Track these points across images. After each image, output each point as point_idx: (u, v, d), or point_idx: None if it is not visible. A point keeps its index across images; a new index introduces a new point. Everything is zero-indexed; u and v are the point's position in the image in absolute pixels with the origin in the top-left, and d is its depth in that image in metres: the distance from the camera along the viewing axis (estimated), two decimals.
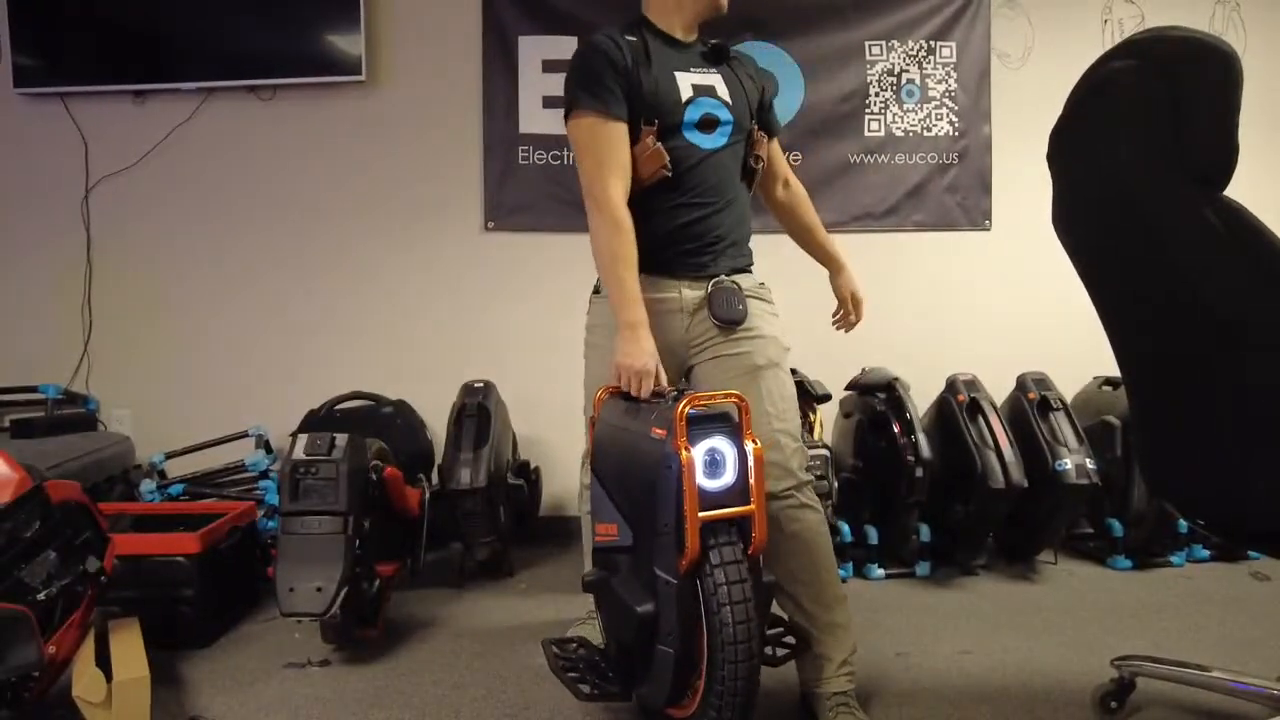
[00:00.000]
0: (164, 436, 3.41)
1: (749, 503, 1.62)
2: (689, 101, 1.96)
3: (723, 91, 2.01)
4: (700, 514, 1.57)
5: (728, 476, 1.63)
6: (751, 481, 1.63)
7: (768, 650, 1.86)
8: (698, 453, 1.60)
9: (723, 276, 1.99)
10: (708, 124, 1.98)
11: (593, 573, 1.87)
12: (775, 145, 2.21)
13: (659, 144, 1.92)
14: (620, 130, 1.91)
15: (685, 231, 1.97)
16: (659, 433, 1.65)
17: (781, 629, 1.95)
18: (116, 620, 2.18)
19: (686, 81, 1.98)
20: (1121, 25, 3.70)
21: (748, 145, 2.07)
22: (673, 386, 1.84)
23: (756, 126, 2.09)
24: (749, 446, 1.64)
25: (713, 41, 2.08)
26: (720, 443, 1.63)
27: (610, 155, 1.91)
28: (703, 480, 1.60)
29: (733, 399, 1.68)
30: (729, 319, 1.95)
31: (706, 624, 1.60)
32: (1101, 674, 2.02)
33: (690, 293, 1.98)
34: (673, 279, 1.98)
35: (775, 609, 1.98)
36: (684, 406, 1.61)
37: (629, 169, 1.92)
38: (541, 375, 3.56)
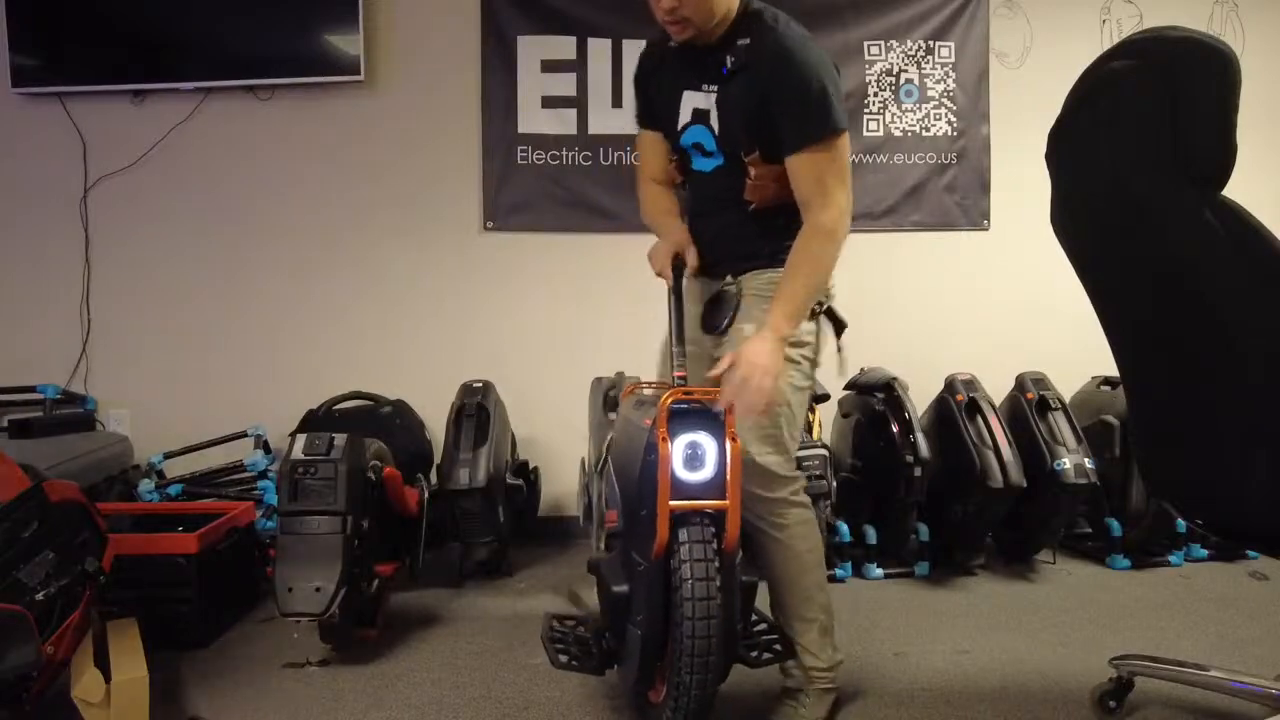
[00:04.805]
0: (162, 437, 3.41)
1: (725, 498, 1.65)
2: (685, 127, 2.00)
3: (714, 119, 1.93)
4: (672, 503, 1.63)
5: (706, 471, 1.66)
6: (729, 478, 1.66)
7: (753, 653, 1.90)
8: (678, 445, 1.65)
9: (729, 278, 1.99)
10: (700, 149, 2.00)
11: (599, 555, 1.96)
12: (793, 164, 1.85)
13: (673, 155, 2.09)
14: (648, 137, 2.14)
15: (696, 234, 2.07)
16: (648, 423, 1.71)
17: (775, 634, 1.98)
18: (115, 620, 2.18)
19: (689, 104, 1.97)
20: (1120, 25, 3.70)
21: (742, 169, 1.93)
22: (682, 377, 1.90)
23: (751, 153, 1.89)
24: (729, 445, 1.66)
25: (742, 42, 1.87)
26: (702, 438, 1.67)
27: (643, 158, 2.18)
28: (681, 472, 1.65)
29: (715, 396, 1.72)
30: (708, 328, 2.00)
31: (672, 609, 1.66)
32: (1100, 673, 2.02)
33: (703, 291, 2.06)
34: (702, 273, 2.08)
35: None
36: (667, 399, 1.67)
37: (658, 168, 2.14)
38: (541, 375, 3.56)
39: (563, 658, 1.93)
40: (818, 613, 1.95)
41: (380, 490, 2.51)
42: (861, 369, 3.28)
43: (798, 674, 1.96)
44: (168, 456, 3.31)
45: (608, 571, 1.83)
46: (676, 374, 1.88)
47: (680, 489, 1.64)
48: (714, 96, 1.93)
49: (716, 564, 1.63)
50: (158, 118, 3.56)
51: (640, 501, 1.71)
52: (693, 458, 1.66)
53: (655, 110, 2.08)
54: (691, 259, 2.03)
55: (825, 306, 1.99)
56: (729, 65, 1.89)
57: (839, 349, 2.05)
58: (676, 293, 1.99)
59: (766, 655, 1.91)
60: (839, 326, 2.05)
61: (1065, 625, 2.56)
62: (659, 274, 2.06)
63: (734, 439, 1.68)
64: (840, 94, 1.85)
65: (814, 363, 2.00)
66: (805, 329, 1.94)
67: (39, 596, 1.80)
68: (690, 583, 1.61)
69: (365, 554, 2.35)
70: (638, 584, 1.72)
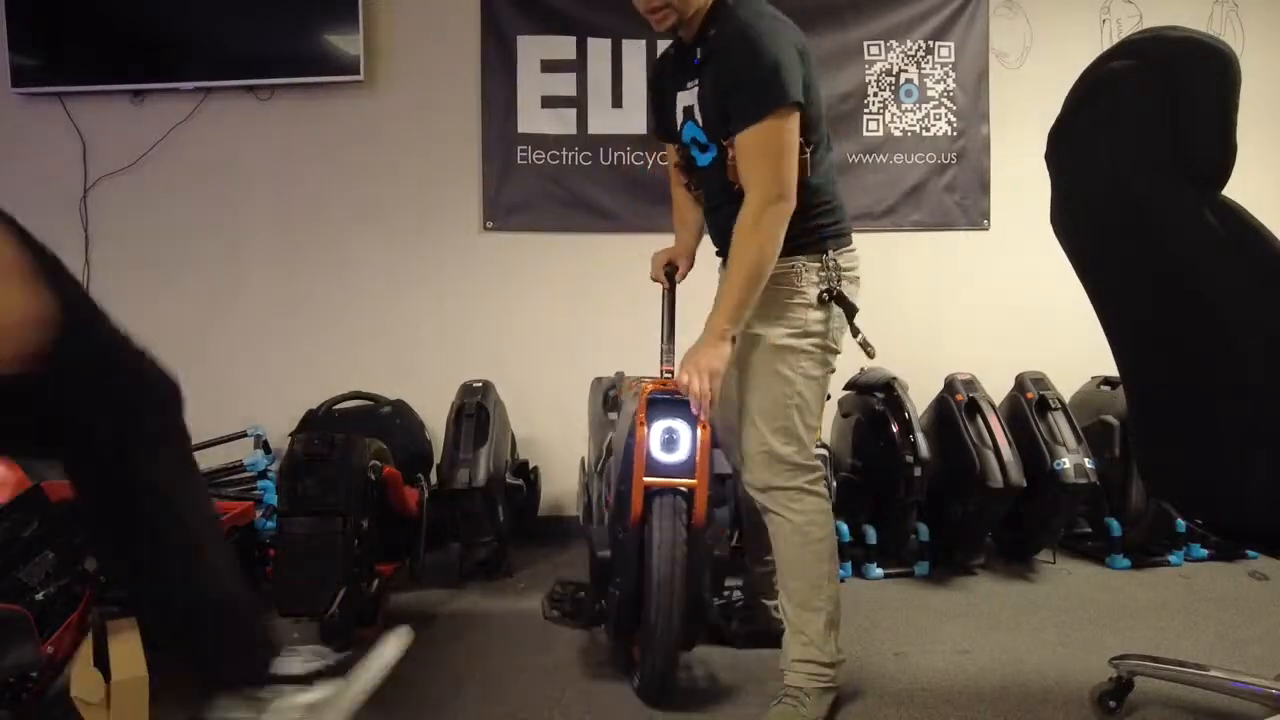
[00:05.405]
0: None
1: (694, 478, 1.87)
2: (681, 126, 2.07)
3: (698, 113, 2.00)
4: (647, 479, 1.85)
5: (680, 453, 1.87)
6: (699, 461, 1.86)
7: (729, 623, 2.24)
8: (655, 429, 1.87)
9: None
10: (697, 144, 2.06)
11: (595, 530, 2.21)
12: (736, 145, 1.87)
13: (679, 158, 2.18)
14: (669, 147, 2.25)
15: (711, 228, 2.18)
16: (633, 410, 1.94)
17: (748, 609, 2.26)
18: (115, 620, 2.18)
19: (681, 104, 2.05)
20: (1120, 25, 3.70)
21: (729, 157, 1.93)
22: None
23: (728, 136, 1.89)
24: (700, 432, 1.87)
25: (711, 32, 1.90)
26: (678, 424, 1.87)
27: (670, 167, 2.29)
28: (657, 453, 1.86)
29: None
30: None
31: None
32: (1100, 673, 2.02)
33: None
34: (724, 266, 2.16)
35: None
36: (648, 390, 1.90)
37: (677, 174, 2.25)
38: (541, 375, 3.56)
39: (555, 613, 2.22)
40: (825, 602, 1.96)
41: (380, 490, 2.51)
42: (861, 369, 3.27)
43: (798, 669, 1.96)
44: None
45: (595, 540, 2.09)
46: (664, 368, 2.09)
47: (655, 468, 1.86)
48: (696, 90, 1.98)
49: (685, 534, 1.85)
50: (158, 118, 3.56)
51: (623, 479, 1.93)
52: (669, 441, 1.86)
53: (662, 116, 2.17)
54: (683, 266, 2.26)
55: (835, 292, 1.97)
56: (699, 56, 1.95)
57: (855, 333, 2.03)
58: (669, 295, 2.23)
59: (744, 628, 2.22)
60: (849, 311, 2.02)
61: (1065, 625, 2.56)
62: (654, 279, 2.27)
63: (705, 427, 1.86)
64: (787, 70, 1.80)
65: (829, 350, 2.00)
66: (814, 317, 1.96)
67: (39, 596, 1.81)
68: (659, 546, 1.82)
69: (365, 554, 2.35)
70: (618, 550, 1.95)
